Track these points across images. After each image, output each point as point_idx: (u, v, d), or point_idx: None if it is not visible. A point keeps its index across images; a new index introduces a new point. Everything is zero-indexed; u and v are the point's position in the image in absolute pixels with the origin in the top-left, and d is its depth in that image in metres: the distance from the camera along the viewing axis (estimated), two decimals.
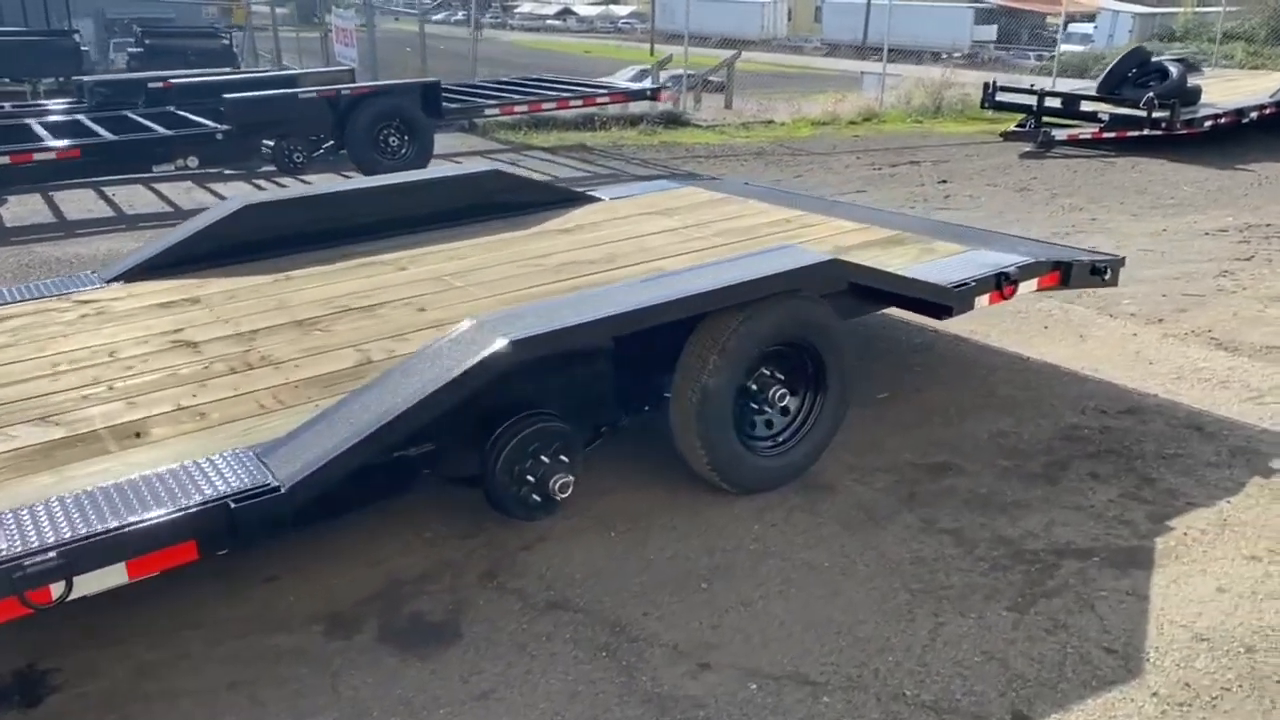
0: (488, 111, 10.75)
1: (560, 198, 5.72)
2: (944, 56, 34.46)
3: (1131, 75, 12.95)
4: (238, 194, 8.15)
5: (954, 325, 5.50)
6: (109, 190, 9.43)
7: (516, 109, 11.05)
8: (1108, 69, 13.35)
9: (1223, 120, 12.06)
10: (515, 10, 74.19)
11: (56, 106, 10.74)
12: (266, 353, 3.60)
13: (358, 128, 9.36)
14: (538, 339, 2.93)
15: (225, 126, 8.87)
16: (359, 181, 6.18)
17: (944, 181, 10.42)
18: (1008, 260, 4.39)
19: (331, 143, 9.63)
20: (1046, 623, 2.98)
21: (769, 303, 3.52)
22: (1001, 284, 4.24)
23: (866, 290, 3.96)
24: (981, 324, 5.60)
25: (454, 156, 11.46)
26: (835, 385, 3.81)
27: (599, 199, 5.85)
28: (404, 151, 9.65)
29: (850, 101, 16.26)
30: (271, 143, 9.27)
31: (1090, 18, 40.80)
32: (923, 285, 3.97)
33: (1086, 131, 12.34)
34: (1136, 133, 12.04)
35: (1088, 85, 13.83)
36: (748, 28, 47.51)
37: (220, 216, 4.73)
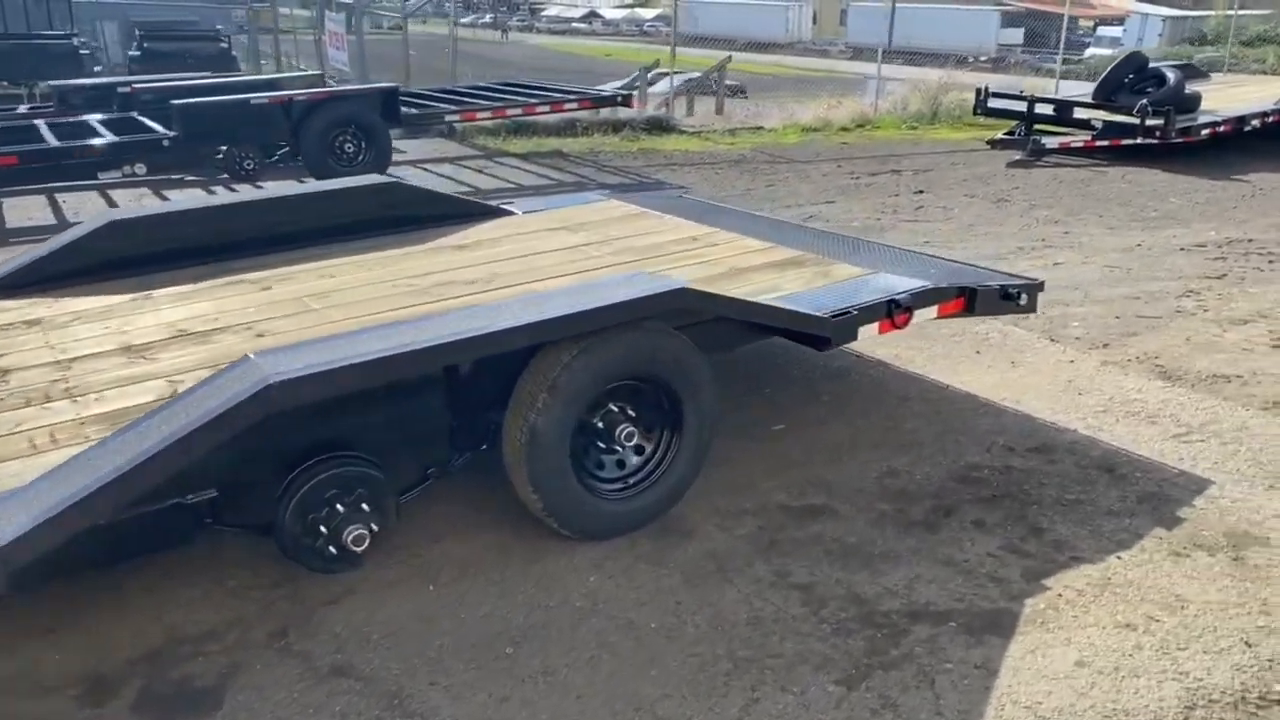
0: (448, 118, 10.51)
1: (467, 211, 5.45)
2: (969, 60, 33.92)
3: (1128, 81, 12.50)
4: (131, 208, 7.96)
5: (879, 349, 5.20)
6: (61, 197, 9.29)
7: (479, 115, 10.83)
8: (1104, 74, 12.90)
9: (1221, 128, 11.59)
10: (542, 13, 74.30)
11: (20, 111, 10.64)
12: (75, 384, 3.36)
13: (312, 134, 9.16)
14: (304, 381, 2.65)
15: (172, 133, 8.69)
16: (241, 195, 5.95)
17: (920, 191, 10.07)
18: (905, 285, 4.08)
19: (286, 149, 9.42)
20: (875, 701, 2.67)
21: (609, 335, 3.23)
22: (892, 312, 3.92)
23: (736, 320, 3.66)
24: (909, 348, 5.28)
25: (422, 163, 11.25)
26: (693, 423, 3.51)
27: (511, 213, 5.58)
28: (360, 158, 9.43)
29: (846, 107, 15.90)
30: (223, 150, 9.07)
31: (1120, 21, 40.10)
32: (790, 314, 3.67)
33: (1079, 140, 11.92)
34: (1130, 141, 11.61)
35: (1086, 92, 13.37)
36: (773, 31, 47.27)
37: (84, 233, 4.50)
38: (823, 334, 3.73)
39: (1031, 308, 4.46)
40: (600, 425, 3.39)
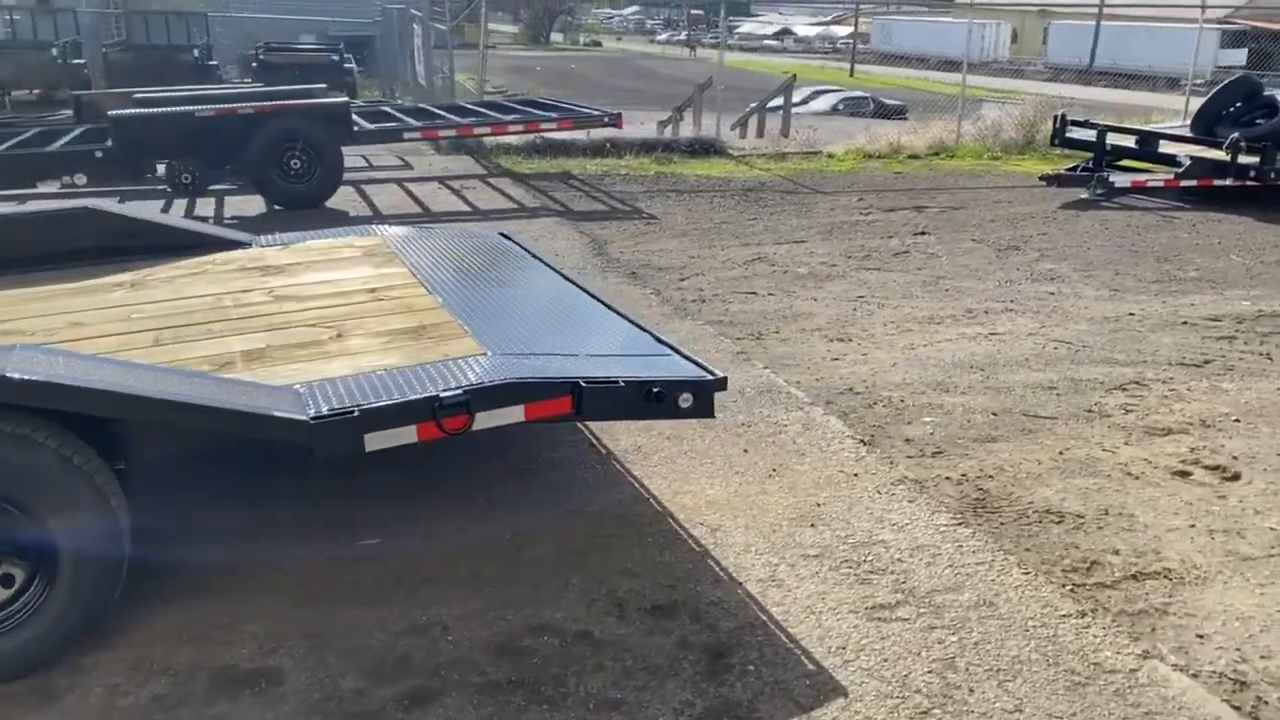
0: (406, 136, 9.93)
1: (193, 243, 4.79)
2: (1182, 83, 30.72)
3: (1233, 110, 10.50)
4: None
5: (631, 434, 4.16)
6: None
7: (441, 133, 10.21)
8: (1204, 101, 10.90)
9: None
10: (736, 30, 74.01)
11: None
12: None
13: (255, 149, 8.80)
14: None
15: (107, 144, 8.53)
16: None
17: (922, 233, 8.66)
18: (501, 376, 3.07)
19: (230, 165, 9.12)
20: None
21: None
22: (437, 413, 2.93)
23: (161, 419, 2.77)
24: (666, 436, 4.22)
25: (407, 181, 10.77)
26: (69, 553, 2.65)
27: (246, 245, 4.87)
28: (308, 175, 9.00)
29: (929, 132, 14.32)
30: (164, 163, 8.87)
31: None
32: (230, 414, 2.71)
33: (1158, 178, 10.08)
34: (1222, 182, 9.69)
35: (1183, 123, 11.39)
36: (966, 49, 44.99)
37: None
38: (296, 439, 2.79)
39: (701, 413, 3.32)
40: None
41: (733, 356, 5.36)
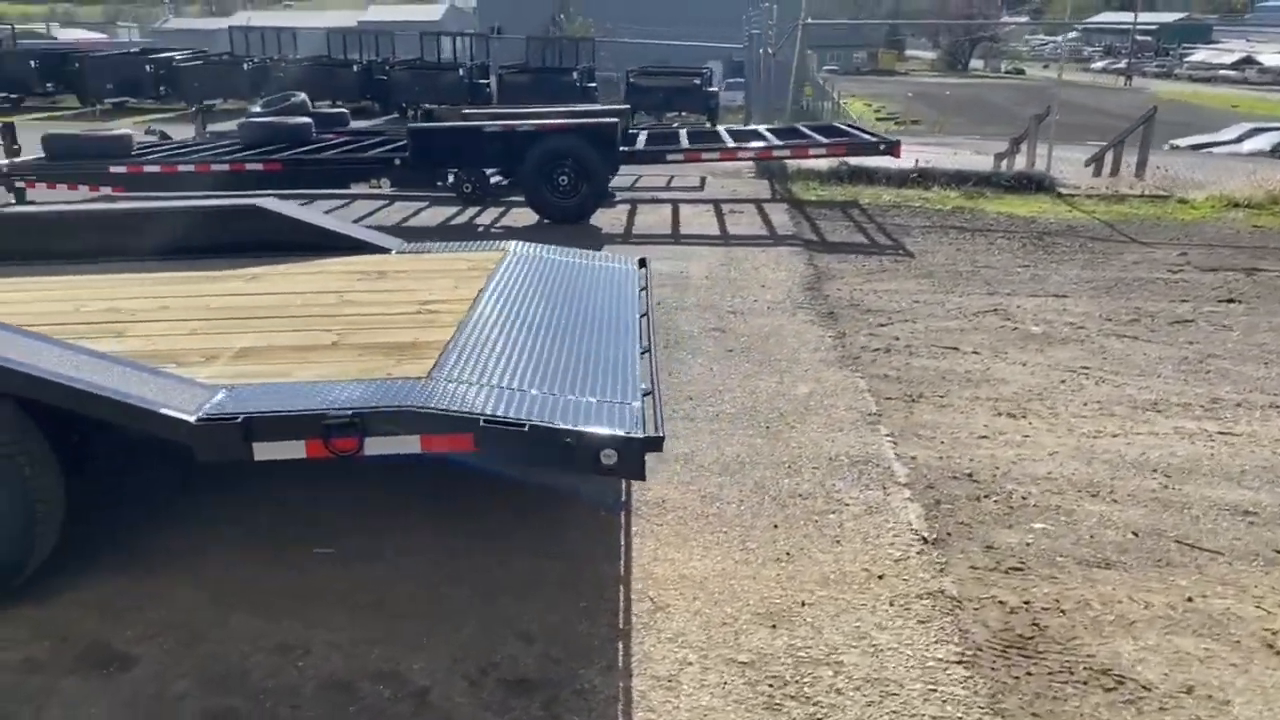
0: (670, 158, 9.88)
1: (337, 243, 5.15)
2: None
3: None
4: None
5: (661, 488, 3.86)
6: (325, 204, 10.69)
7: (704, 156, 10.04)
8: None
9: None
10: (1186, 59, 66.51)
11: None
12: None
13: (529, 164, 9.33)
14: None
15: (405, 154, 9.49)
16: (117, 205, 6.22)
17: (1229, 301, 7.13)
18: (407, 401, 2.94)
19: (505, 179, 9.72)
20: None
21: None
22: (326, 433, 2.86)
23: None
24: (698, 494, 3.83)
25: (684, 203, 10.82)
26: None
27: (385, 250, 5.15)
28: (574, 192, 9.37)
29: None
30: (453, 172, 9.69)
31: None
32: (105, 401, 2.82)
33: None
34: None
35: None
36: None
37: None
38: (179, 439, 2.85)
39: (628, 473, 2.93)
40: None
41: (861, 418, 4.72)
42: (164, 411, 2.83)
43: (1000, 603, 3.22)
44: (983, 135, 21.17)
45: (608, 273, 4.91)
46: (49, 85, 24.65)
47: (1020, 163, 13.55)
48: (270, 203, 5.22)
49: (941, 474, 4.16)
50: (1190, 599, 3.25)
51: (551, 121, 9.63)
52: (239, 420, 2.83)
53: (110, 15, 77.48)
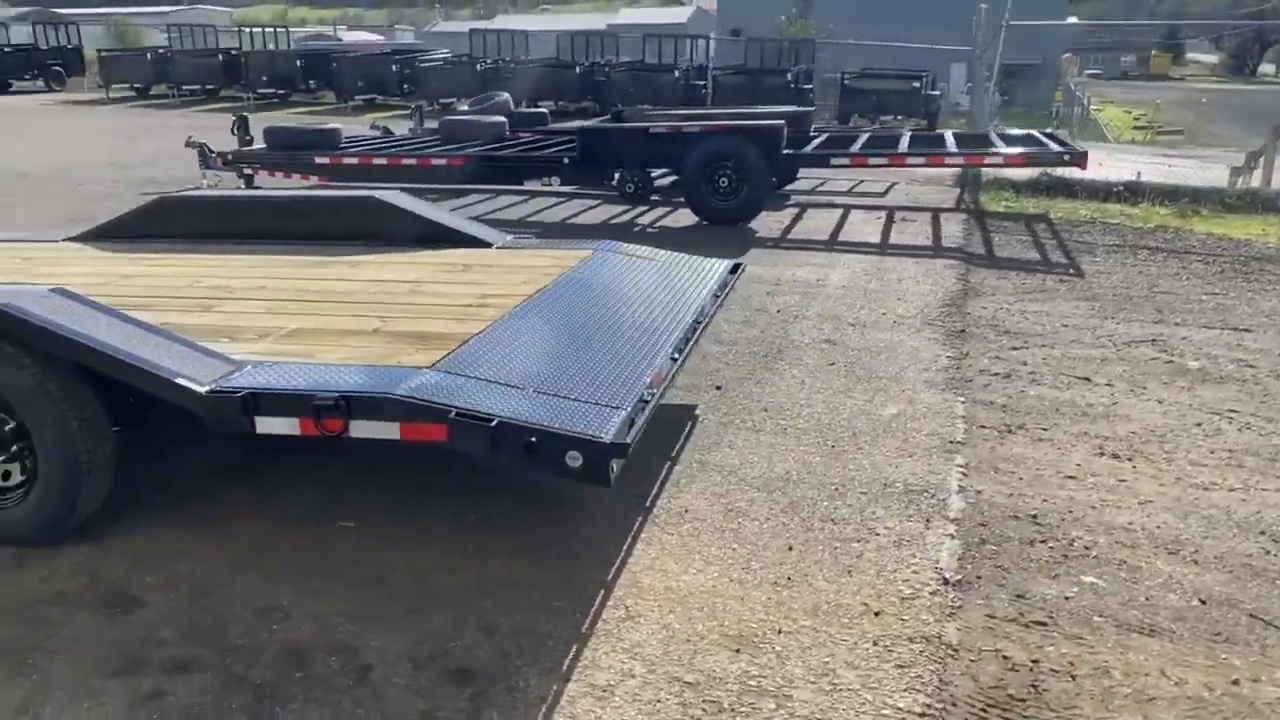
0: (834, 162, 9.52)
1: (446, 236, 5.39)
2: None
3: None
4: None
5: (689, 496, 3.83)
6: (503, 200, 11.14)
7: (871, 161, 9.59)
8: None
9: None
10: None
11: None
12: None
13: (691, 165, 9.36)
14: None
15: (574, 153, 9.77)
16: (255, 192, 6.58)
17: None
18: (369, 387, 3.08)
19: (670, 179, 9.79)
20: None
21: None
22: (316, 413, 3.04)
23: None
24: (730, 511, 3.75)
25: (856, 208, 10.48)
26: (41, 461, 3.28)
27: (487, 245, 5.35)
28: (734, 194, 9.32)
29: None
30: (618, 172, 9.88)
31: None
32: (125, 367, 3.10)
33: None
34: None
35: None
36: None
37: (142, 207, 5.78)
38: (192, 408, 3.11)
39: (594, 478, 2.89)
40: None
41: (940, 445, 4.44)
42: (179, 381, 3.08)
43: (1004, 658, 2.93)
44: (1241, 148, 19.15)
45: (687, 276, 4.85)
46: (310, 83, 27.17)
47: (1257, 179, 12.17)
48: (388, 195, 5.53)
49: (1002, 512, 3.83)
50: (1236, 681, 2.84)
51: (715, 123, 9.59)
52: (240, 395, 3.04)
53: (393, 19, 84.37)
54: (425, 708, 2.64)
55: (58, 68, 30.61)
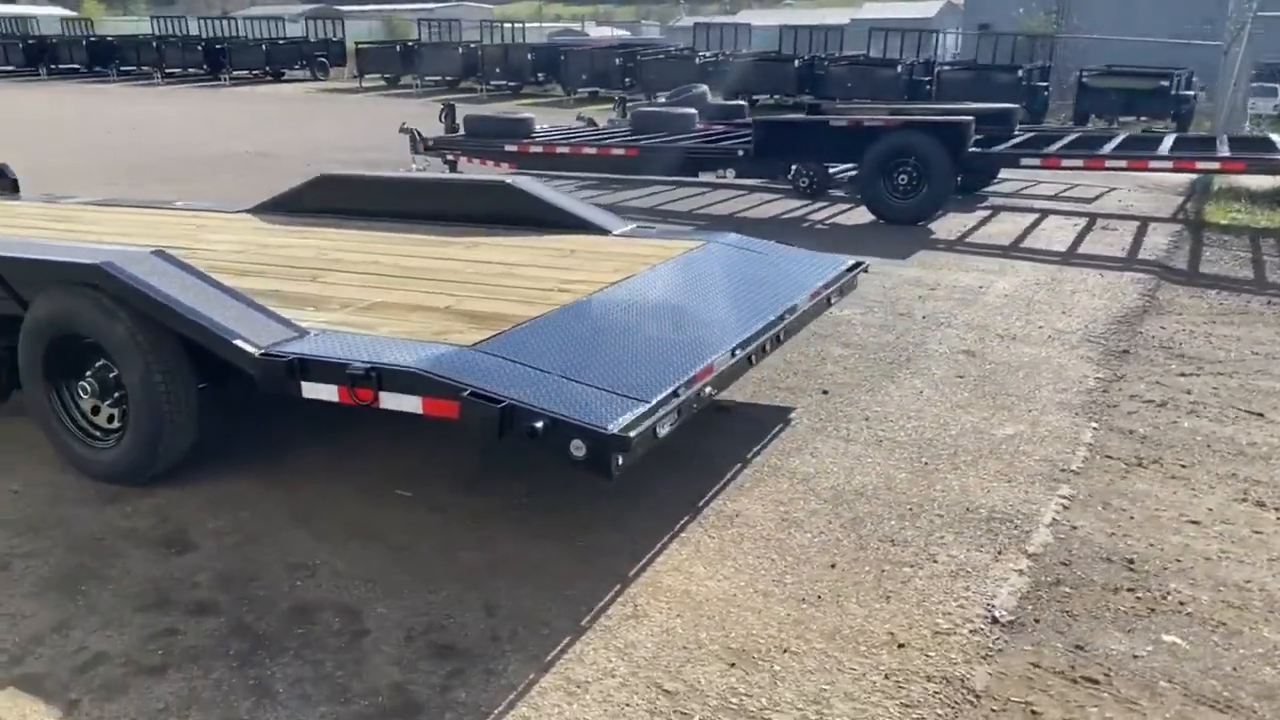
0: (1024, 163, 8.75)
1: (570, 222, 5.44)
2: None
3: None
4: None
5: (743, 501, 3.72)
6: (675, 192, 11.08)
7: (1064, 163, 8.74)
8: None
9: None
10: None
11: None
12: None
13: (869, 161, 8.99)
14: None
15: (750, 145, 9.63)
16: (399, 175, 6.77)
17: None
18: (400, 361, 3.15)
19: (849, 173, 9.43)
20: None
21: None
22: (354, 381, 3.15)
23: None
24: (783, 521, 3.59)
25: (1055, 213, 9.70)
26: (132, 404, 3.58)
27: (604, 232, 5.35)
28: (913, 193, 8.88)
29: None
30: (794, 165, 9.65)
31: None
32: (202, 329, 3.31)
33: None
34: None
35: None
36: None
37: (306, 182, 6.19)
38: (246, 368, 3.29)
39: (597, 469, 2.82)
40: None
41: (1049, 472, 4.03)
42: (236, 342, 3.27)
43: (1033, 713, 2.62)
44: None
45: (790, 273, 4.65)
46: (539, 76, 28.30)
47: None
48: (519, 180, 5.64)
49: (1093, 553, 3.42)
50: None
51: (897, 118, 9.15)
52: (287, 359, 3.19)
53: (641, 15, 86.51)
54: (399, 679, 2.67)
55: (323, 59, 33.52)
